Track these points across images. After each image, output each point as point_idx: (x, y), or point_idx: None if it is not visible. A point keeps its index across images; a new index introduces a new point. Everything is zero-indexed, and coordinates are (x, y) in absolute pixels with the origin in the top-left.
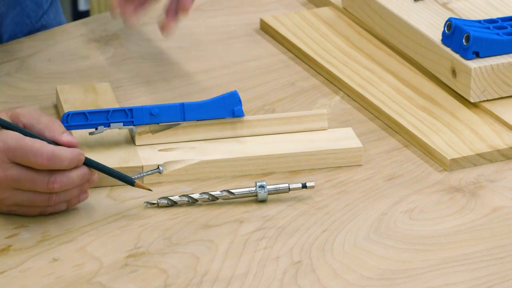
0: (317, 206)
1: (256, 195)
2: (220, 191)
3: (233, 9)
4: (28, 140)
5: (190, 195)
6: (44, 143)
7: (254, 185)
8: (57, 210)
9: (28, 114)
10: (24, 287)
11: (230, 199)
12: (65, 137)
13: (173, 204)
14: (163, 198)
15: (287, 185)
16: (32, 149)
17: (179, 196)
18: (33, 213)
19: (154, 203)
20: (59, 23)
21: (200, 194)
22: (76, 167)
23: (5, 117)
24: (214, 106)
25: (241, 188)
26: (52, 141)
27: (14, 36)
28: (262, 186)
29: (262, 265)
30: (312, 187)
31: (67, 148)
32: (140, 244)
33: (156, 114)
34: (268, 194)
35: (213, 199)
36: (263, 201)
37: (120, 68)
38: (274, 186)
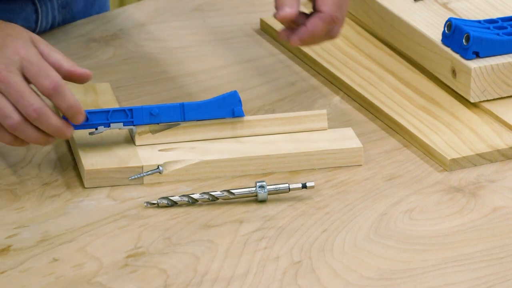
0: (317, 206)
1: (256, 195)
2: (220, 191)
3: (233, 9)
4: (47, 64)
5: (190, 195)
6: (60, 76)
7: (254, 185)
8: (8, 124)
9: (46, 43)
10: (24, 287)
11: (230, 199)
12: (81, 68)
13: (173, 204)
14: (163, 198)
15: (287, 185)
16: (48, 71)
17: (179, 196)
18: None
19: (154, 203)
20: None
21: (200, 194)
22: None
23: (27, 34)
24: (214, 106)
25: (241, 188)
26: (70, 71)
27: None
28: (262, 186)
29: (262, 265)
30: (312, 187)
31: (74, 96)
32: (140, 244)
33: (156, 114)
34: (268, 194)
35: (213, 199)
36: (263, 201)
37: (120, 68)
38: (274, 186)
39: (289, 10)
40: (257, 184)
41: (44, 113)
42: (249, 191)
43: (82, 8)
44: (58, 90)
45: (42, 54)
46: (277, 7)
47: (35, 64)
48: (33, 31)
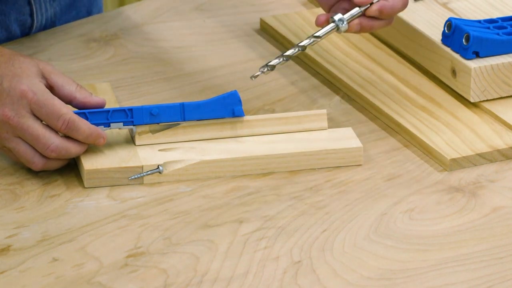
0: (317, 206)
1: (338, 28)
2: (307, 38)
3: (233, 9)
4: (57, 102)
5: (284, 54)
6: (71, 111)
7: (331, 21)
8: (34, 168)
9: (58, 73)
10: (24, 287)
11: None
12: (94, 98)
13: (272, 68)
14: (263, 66)
15: (358, 9)
16: (58, 111)
17: (276, 58)
18: (17, 161)
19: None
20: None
21: (291, 50)
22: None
23: (35, 68)
24: (214, 106)
25: (322, 29)
26: (83, 102)
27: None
28: (341, 20)
29: (262, 265)
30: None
31: (89, 124)
32: (140, 244)
33: (156, 114)
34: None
35: (303, 49)
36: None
37: (120, 68)
38: (349, 13)
39: None
40: (335, 18)
41: (63, 148)
42: (331, 27)
43: (70, 1)
44: (71, 127)
45: (54, 87)
46: None
47: (43, 106)
48: (30, 26)
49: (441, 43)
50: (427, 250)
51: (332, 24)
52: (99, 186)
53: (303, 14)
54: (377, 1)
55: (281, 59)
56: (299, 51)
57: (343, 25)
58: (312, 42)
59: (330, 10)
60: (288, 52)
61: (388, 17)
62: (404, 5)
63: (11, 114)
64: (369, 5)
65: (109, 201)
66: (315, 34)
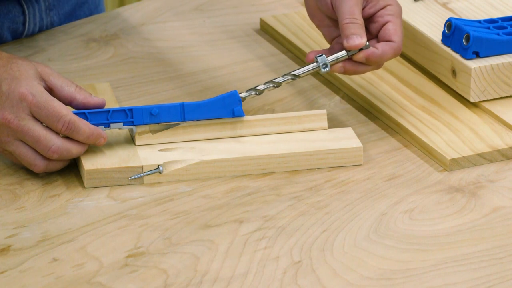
0: (317, 206)
1: (320, 69)
2: (282, 76)
3: (233, 9)
4: (57, 104)
5: (256, 88)
6: (71, 112)
7: (315, 61)
8: (36, 171)
9: (57, 75)
10: (24, 287)
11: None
12: (94, 98)
13: (243, 99)
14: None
15: (344, 52)
16: (58, 113)
17: (246, 91)
18: (18, 164)
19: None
20: None
21: (264, 84)
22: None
23: (34, 71)
24: (214, 106)
25: (303, 68)
26: (84, 103)
27: None
28: (324, 63)
29: (262, 265)
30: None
31: (89, 124)
32: (140, 244)
33: (156, 114)
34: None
35: (277, 86)
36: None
37: (120, 68)
38: (334, 56)
39: (358, 41)
40: (318, 59)
41: (64, 149)
42: (312, 67)
43: (70, 10)
44: (71, 128)
45: (53, 89)
46: (345, 36)
47: (43, 108)
48: (21, 33)
49: (441, 43)
50: (427, 250)
51: (314, 64)
52: (99, 186)
53: (303, 14)
54: (366, 48)
55: (252, 93)
56: (273, 87)
57: (325, 69)
58: (288, 79)
59: (332, 41)
60: (260, 87)
61: (375, 64)
62: (396, 54)
63: (11, 117)
64: (357, 50)
65: (109, 201)
66: (293, 72)
